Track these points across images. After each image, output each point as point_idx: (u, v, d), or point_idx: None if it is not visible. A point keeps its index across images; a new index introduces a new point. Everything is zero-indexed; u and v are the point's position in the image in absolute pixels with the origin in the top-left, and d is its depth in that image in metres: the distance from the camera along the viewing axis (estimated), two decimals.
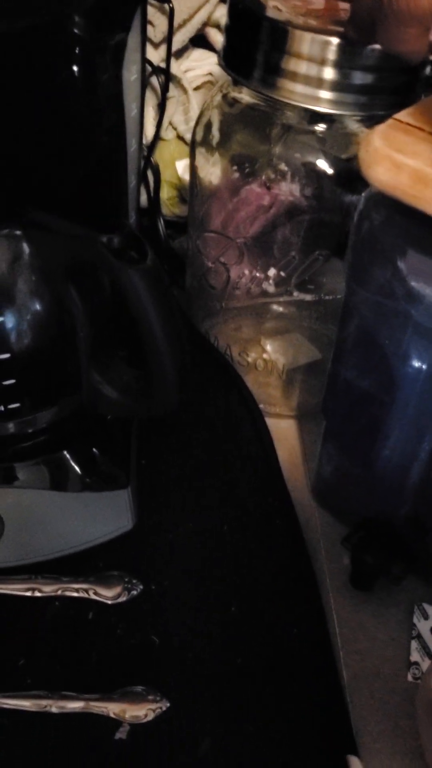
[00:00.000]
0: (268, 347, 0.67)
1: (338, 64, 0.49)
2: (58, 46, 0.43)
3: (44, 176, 0.46)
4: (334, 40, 0.49)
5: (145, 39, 0.48)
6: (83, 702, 0.46)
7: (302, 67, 0.50)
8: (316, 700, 0.48)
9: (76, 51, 0.44)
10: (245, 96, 0.56)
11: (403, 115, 0.40)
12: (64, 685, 0.47)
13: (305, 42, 0.49)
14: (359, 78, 0.50)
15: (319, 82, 0.50)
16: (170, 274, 0.73)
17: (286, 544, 0.55)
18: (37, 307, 0.49)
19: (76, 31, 0.43)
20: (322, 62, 0.50)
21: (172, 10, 0.65)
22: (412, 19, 0.41)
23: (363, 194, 0.43)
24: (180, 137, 0.73)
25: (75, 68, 0.44)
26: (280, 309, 0.68)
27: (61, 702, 0.46)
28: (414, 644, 0.52)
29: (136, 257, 0.45)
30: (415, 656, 0.51)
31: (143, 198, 0.74)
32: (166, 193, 0.74)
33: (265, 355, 0.65)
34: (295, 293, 0.60)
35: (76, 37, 0.43)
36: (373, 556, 0.50)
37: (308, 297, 0.60)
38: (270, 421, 0.63)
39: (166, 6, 0.65)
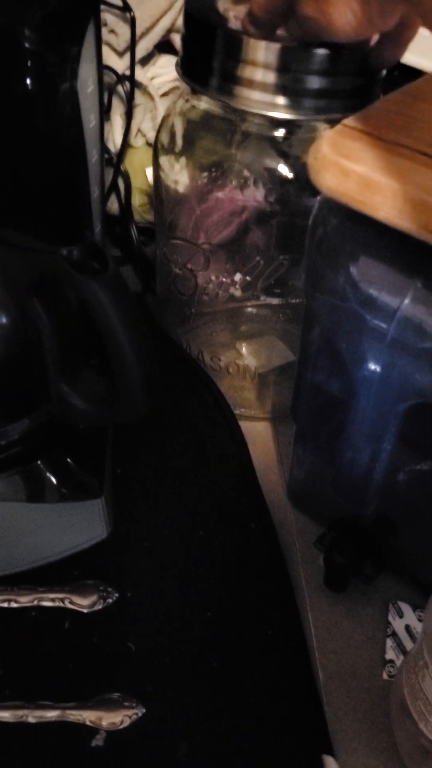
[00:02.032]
0: (243, 350, 0.67)
1: (294, 70, 0.50)
2: (10, 58, 0.44)
3: (3, 189, 0.46)
4: (289, 47, 0.49)
5: (100, 50, 0.49)
6: (59, 711, 0.47)
7: (258, 75, 0.50)
8: (292, 700, 0.48)
9: (29, 64, 0.44)
10: (204, 104, 0.56)
11: (351, 120, 0.40)
12: (40, 694, 0.47)
13: (260, 49, 0.49)
14: (315, 82, 0.50)
15: (275, 89, 0.51)
16: (143, 280, 0.73)
17: (262, 547, 0.56)
18: (3, 320, 0.49)
19: (27, 44, 0.43)
20: (278, 68, 0.50)
21: (133, 18, 0.65)
22: None
23: (317, 199, 0.43)
24: (149, 144, 0.73)
25: (29, 81, 0.45)
26: (254, 312, 0.69)
27: (38, 711, 0.46)
28: (389, 642, 0.52)
29: (97, 268, 0.45)
30: (390, 654, 0.51)
31: (115, 206, 0.74)
32: (137, 200, 0.75)
33: (237, 360, 0.66)
34: (262, 297, 0.60)
35: (28, 50, 0.44)
36: (344, 556, 0.51)
37: (275, 301, 0.60)
38: (245, 424, 0.64)
39: (128, 15, 0.66)
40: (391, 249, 0.38)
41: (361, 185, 0.37)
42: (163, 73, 0.72)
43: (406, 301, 0.38)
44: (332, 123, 0.53)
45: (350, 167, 0.37)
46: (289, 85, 0.51)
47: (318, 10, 0.41)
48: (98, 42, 0.48)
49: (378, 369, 0.40)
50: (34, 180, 0.47)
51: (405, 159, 0.37)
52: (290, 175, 0.56)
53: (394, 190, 0.36)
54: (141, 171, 0.73)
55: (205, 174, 0.60)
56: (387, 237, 0.38)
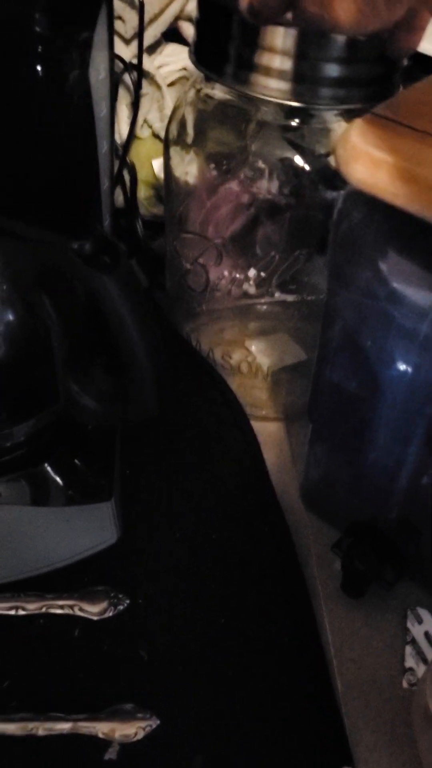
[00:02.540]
0: (253, 348, 0.66)
1: (313, 57, 0.48)
2: (20, 45, 0.42)
3: (13, 181, 0.45)
4: (308, 33, 0.47)
5: (112, 37, 0.47)
6: (71, 723, 0.45)
7: (276, 62, 0.48)
8: (311, 710, 0.47)
9: (39, 50, 0.42)
10: (218, 92, 0.54)
11: (381, 108, 0.38)
12: (50, 705, 0.46)
13: (278, 35, 0.47)
14: (335, 71, 0.49)
15: (293, 76, 0.49)
16: (150, 275, 0.72)
17: (276, 551, 0.54)
18: (9, 317, 0.47)
19: (37, 29, 0.41)
20: (297, 56, 0.48)
21: (142, 4, 0.63)
22: None
23: (342, 191, 0.42)
24: (155, 135, 0.71)
25: (39, 68, 0.43)
26: (264, 309, 0.67)
27: (48, 724, 0.45)
28: (408, 650, 0.50)
29: (109, 262, 0.44)
30: (409, 662, 0.50)
31: (120, 198, 0.72)
32: (143, 192, 0.73)
33: (249, 357, 0.64)
34: (277, 294, 0.59)
35: (38, 36, 0.42)
36: (364, 562, 0.49)
37: (290, 297, 0.59)
38: (257, 425, 0.62)
39: (136, 0, 0.63)
40: (423, 243, 0.37)
41: (394, 176, 0.35)
42: (171, 62, 0.70)
43: None
44: (350, 113, 0.52)
45: (382, 157, 0.35)
46: (307, 72, 0.49)
47: (320, 4, 0.37)
48: (110, 28, 0.46)
49: (408, 369, 0.39)
50: (44, 171, 0.45)
51: None
52: (306, 167, 0.55)
53: (428, 180, 0.34)
54: (147, 162, 0.71)
55: (217, 165, 0.58)
56: (419, 230, 0.36)
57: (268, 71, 0.49)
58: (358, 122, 0.38)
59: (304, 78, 0.49)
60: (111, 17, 0.47)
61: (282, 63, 0.49)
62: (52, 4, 0.42)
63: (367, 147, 0.36)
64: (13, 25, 0.41)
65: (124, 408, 0.49)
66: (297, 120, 0.54)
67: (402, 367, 0.39)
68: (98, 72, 0.46)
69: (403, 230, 0.37)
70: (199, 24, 0.53)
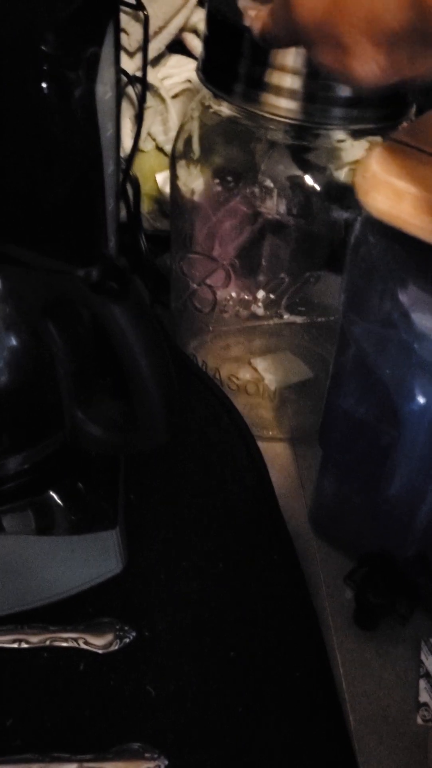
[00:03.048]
0: (259, 366, 0.64)
1: (324, 77, 0.46)
2: (27, 62, 0.40)
3: (17, 206, 0.43)
4: None
5: (119, 54, 0.45)
6: (76, 764, 0.44)
7: (287, 81, 0.47)
8: (323, 748, 0.46)
9: (46, 67, 0.41)
10: (225, 109, 0.53)
11: (401, 134, 0.37)
12: (55, 745, 0.44)
13: (289, 55, 0.46)
14: (346, 90, 0.48)
15: (304, 96, 0.48)
16: (153, 292, 0.70)
17: (285, 581, 0.53)
18: (14, 344, 0.46)
19: (46, 47, 0.40)
20: (307, 75, 0.47)
21: (146, 17, 0.62)
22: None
23: (359, 216, 0.40)
24: (159, 148, 0.70)
25: (45, 85, 0.41)
26: (270, 327, 0.65)
27: (52, 765, 0.44)
28: (422, 683, 0.49)
29: (117, 289, 0.42)
30: (423, 696, 0.49)
31: (123, 213, 0.71)
32: (146, 206, 0.71)
33: (255, 377, 0.63)
34: (286, 316, 0.57)
35: (45, 53, 0.40)
36: (377, 595, 0.48)
37: (299, 319, 0.57)
38: (263, 445, 0.61)
39: (141, 13, 0.62)
40: None
41: (417, 208, 0.34)
42: (174, 73, 0.69)
43: None
44: (361, 133, 0.51)
45: (404, 188, 0.34)
46: (318, 92, 0.48)
47: (336, 60, 0.34)
48: (117, 44, 0.45)
49: (430, 404, 0.37)
50: (50, 194, 0.43)
51: None
52: (316, 186, 0.53)
53: None
54: (150, 176, 0.70)
55: (223, 182, 0.56)
56: None
57: (278, 90, 0.48)
58: (378, 150, 0.36)
59: (315, 98, 0.48)
60: (118, 34, 0.46)
61: (293, 82, 0.48)
62: (62, 22, 0.40)
63: (388, 177, 0.35)
64: (23, 43, 0.39)
65: (131, 437, 0.48)
66: (307, 139, 0.53)
67: (423, 401, 0.38)
68: (105, 90, 0.45)
69: (425, 261, 0.36)
70: (207, 42, 0.52)
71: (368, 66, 0.33)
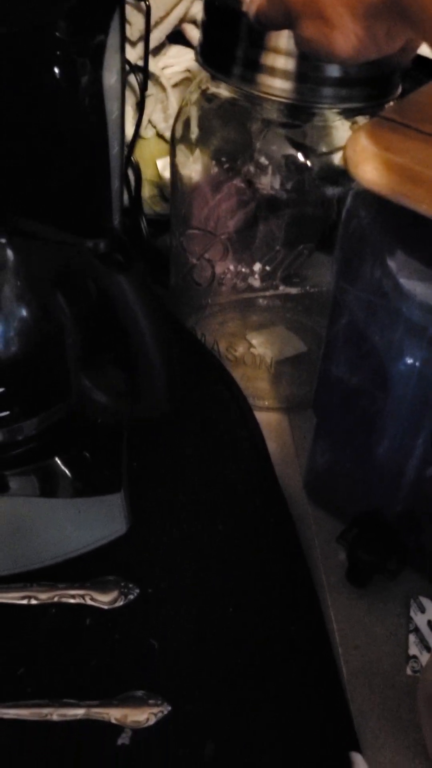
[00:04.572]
0: (254, 341, 0.67)
1: (315, 58, 0.49)
2: (38, 49, 0.43)
3: (28, 182, 0.46)
4: None
5: (124, 40, 0.48)
6: (84, 709, 0.46)
7: (280, 62, 0.50)
8: (317, 697, 0.48)
9: (57, 53, 0.43)
10: (223, 91, 0.55)
11: (389, 112, 0.40)
12: (64, 692, 0.47)
13: (282, 37, 0.49)
14: (336, 71, 0.50)
15: (297, 76, 0.50)
16: (153, 272, 0.73)
17: (281, 542, 0.55)
18: (25, 314, 0.49)
19: (57, 33, 0.42)
20: (301, 56, 0.49)
21: (148, 7, 0.64)
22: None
23: (350, 191, 0.43)
24: (160, 135, 0.72)
25: (56, 71, 0.44)
26: (265, 302, 0.68)
27: (61, 710, 0.46)
28: (412, 638, 0.52)
29: (122, 261, 0.45)
30: (413, 650, 0.51)
31: (124, 197, 0.73)
32: (147, 191, 0.74)
33: (252, 349, 0.65)
34: (281, 287, 0.60)
35: (56, 40, 0.43)
36: (369, 552, 0.50)
37: (294, 290, 0.60)
38: (260, 415, 0.63)
39: (143, 4, 0.65)
40: (431, 242, 0.38)
41: (404, 177, 0.36)
42: (174, 63, 0.71)
43: None
44: (351, 112, 0.54)
45: (392, 159, 0.36)
46: (309, 72, 0.50)
47: (319, 32, 0.37)
48: (122, 32, 0.47)
49: (416, 363, 0.40)
50: (59, 172, 0.46)
51: None
52: (308, 163, 0.56)
53: None
54: (151, 162, 0.72)
55: (221, 162, 0.59)
56: (427, 229, 0.37)
57: (272, 71, 0.51)
58: (367, 125, 0.39)
59: (306, 78, 0.51)
60: (123, 21, 0.48)
61: (286, 63, 0.50)
62: (73, 9, 0.43)
63: (375, 149, 0.37)
64: (36, 30, 0.42)
65: (136, 405, 0.50)
66: (300, 118, 0.55)
67: (410, 361, 0.40)
68: (111, 75, 0.47)
69: (411, 229, 0.39)
70: (205, 26, 0.54)
71: (349, 39, 0.36)
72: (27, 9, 0.40)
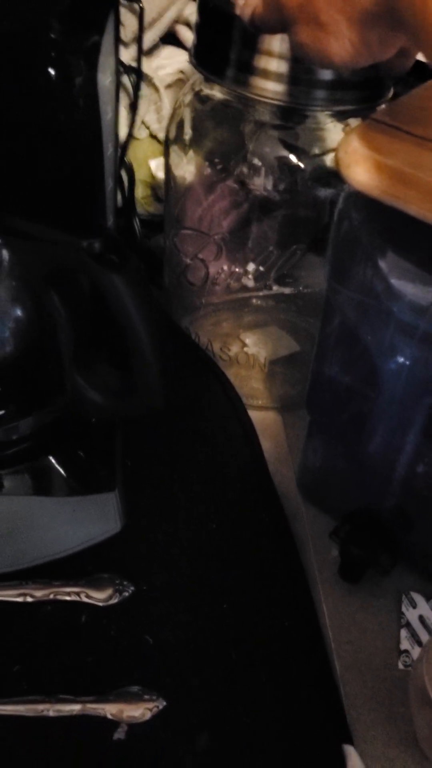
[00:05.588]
0: (248, 341, 0.68)
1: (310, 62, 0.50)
2: (32, 49, 0.43)
3: (23, 182, 0.46)
4: None
5: (118, 42, 0.48)
6: (80, 704, 0.46)
7: (273, 65, 0.50)
8: (310, 691, 0.49)
9: (52, 54, 0.44)
10: (217, 93, 0.56)
11: (380, 114, 0.40)
12: (60, 688, 0.47)
13: (275, 39, 0.49)
14: (328, 74, 0.51)
15: (289, 79, 0.51)
16: (147, 273, 0.73)
17: (274, 539, 0.56)
18: (19, 313, 0.49)
19: (51, 35, 0.43)
20: (294, 59, 0.50)
21: (142, 9, 0.65)
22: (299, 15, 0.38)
23: (342, 193, 0.43)
24: (153, 136, 0.73)
25: (51, 72, 0.44)
26: (258, 303, 0.69)
27: (57, 705, 0.46)
28: (403, 633, 0.52)
29: (116, 261, 0.45)
30: (405, 644, 0.52)
31: (118, 198, 0.74)
32: (140, 192, 0.74)
33: (246, 349, 0.66)
34: (275, 287, 0.61)
35: (51, 41, 0.43)
36: (361, 548, 0.51)
37: (287, 290, 0.61)
38: (254, 414, 0.64)
39: (136, 5, 0.65)
40: (421, 243, 0.39)
41: (394, 179, 0.37)
42: (167, 64, 0.72)
43: None
44: (343, 114, 0.54)
45: (383, 161, 0.37)
46: (302, 75, 0.51)
47: (314, 38, 0.38)
48: (117, 34, 0.48)
49: (406, 362, 0.41)
50: (54, 172, 0.46)
51: None
52: (301, 165, 0.57)
53: (427, 184, 0.36)
54: (144, 163, 0.73)
55: (214, 164, 0.59)
56: (417, 231, 0.38)
57: (265, 74, 0.51)
58: (358, 127, 0.39)
59: (299, 80, 0.51)
60: (117, 23, 0.48)
61: (279, 66, 0.51)
62: (67, 10, 0.43)
63: (367, 151, 0.38)
64: (30, 31, 0.42)
65: (130, 402, 0.51)
66: (293, 120, 0.56)
67: (401, 359, 0.41)
68: (105, 77, 0.48)
69: (402, 230, 0.39)
70: (199, 28, 0.54)
71: (343, 45, 0.37)
72: (21, 9, 0.40)
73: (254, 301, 0.68)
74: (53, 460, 0.53)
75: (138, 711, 0.47)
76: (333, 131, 0.57)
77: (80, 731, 0.46)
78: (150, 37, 0.69)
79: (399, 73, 0.51)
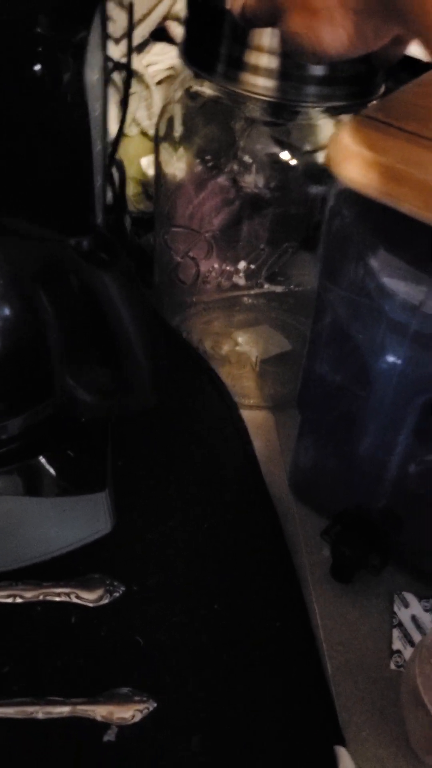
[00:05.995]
0: (239, 339, 0.67)
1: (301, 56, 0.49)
2: (19, 44, 0.43)
3: (10, 179, 0.46)
4: None
5: (105, 37, 0.48)
6: (69, 706, 0.46)
7: (263, 60, 0.50)
8: (302, 692, 0.48)
9: (38, 50, 0.43)
10: (207, 89, 0.56)
11: (371, 110, 0.40)
12: (49, 690, 0.47)
13: (266, 35, 0.49)
14: (319, 69, 0.50)
15: (280, 75, 0.50)
16: (137, 270, 0.72)
17: (266, 539, 0.56)
18: (7, 313, 0.48)
19: (38, 29, 0.42)
20: (284, 54, 0.49)
21: (131, 5, 0.64)
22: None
23: (333, 190, 0.43)
24: (144, 133, 0.72)
25: (38, 67, 0.44)
26: (249, 301, 0.68)
27: (47, 708, 0.46)
28: (395, 633, 0.52)
29: (106, 259, 0.45)
30: (397, 645, 0.52)
31: (108, 195, 0.73)
32: (131, 189, 0.74)
33: (237, 348, 0.66)
34: (266, 285, 0.60)
35: (37, 36, 0.43)
36: (352, 548, 0.51)
37: (279, 289, 0.60)
38: (246, 413, 0.64)
39: (125, 1, 0.64)
40: (412, 240, 0.38)
41: (386, 176, 0.36)
42: (158, 60, 0.72)
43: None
44: (334, 110, 0.54)
45: (374, 158, 0.37)
46: (292, 71, 0.50)
47: (306, 26, 0.36)
48: (104, 30, 0.47)
49: (398, 361, 0.40)
50: (42, 169, 0.46)
51: (427, 150, 0.37)
52: (292, 162, 0.56)
53: (419, 181, 0.35)
54: (135, 160, 0.72)
55: (205, 161, 0.59)
56: (408, 228, 0.38)
57: (255, 69, 0.51)
58: (349, 124, 0.39)
59: (290, 76, 0.51)
60: (104, 18, 0.48)
61: (269, 61, 0.50)
62: (54, 5, 0.43)
63: (358, 148, 0.38)
64: (17, 26, 0.42)
65: (120, 401, 0.50)
66: (284, 117, 0.55)
67: (392, 359, 0.41)
68: (93, 72, 0.47)
69: (393, 228, 0.39)
70: (188, 23, 0.54)
71: (337, 34, 0.36)
72: (6, 4, 0.40)
73: (245, 299, 0.68)
74: (43, 460, 0.53)
75: (128, 713, 0.46)
76: (324, 128, 0.56)
77: (70, 733, 0.45)
78: (140, 34, 0.68)
79: (392, 62, 0.50)
